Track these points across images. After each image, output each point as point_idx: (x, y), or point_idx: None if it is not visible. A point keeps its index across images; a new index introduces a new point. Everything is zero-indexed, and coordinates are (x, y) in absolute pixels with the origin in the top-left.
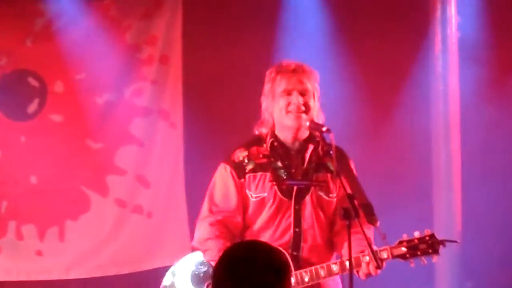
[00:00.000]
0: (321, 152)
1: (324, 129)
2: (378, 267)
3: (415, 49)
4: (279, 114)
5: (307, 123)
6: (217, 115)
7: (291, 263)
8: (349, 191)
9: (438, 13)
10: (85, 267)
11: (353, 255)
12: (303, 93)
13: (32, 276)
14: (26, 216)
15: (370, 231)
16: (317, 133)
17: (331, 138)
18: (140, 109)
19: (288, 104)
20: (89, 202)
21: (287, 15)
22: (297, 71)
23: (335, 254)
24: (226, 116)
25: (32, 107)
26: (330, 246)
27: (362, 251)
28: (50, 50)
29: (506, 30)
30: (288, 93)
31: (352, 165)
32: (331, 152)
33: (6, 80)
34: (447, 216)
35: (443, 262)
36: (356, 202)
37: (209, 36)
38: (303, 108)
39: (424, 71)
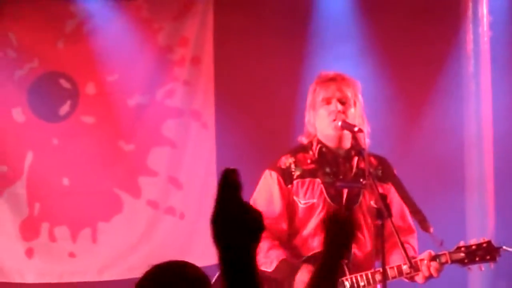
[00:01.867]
0: (363, 152)
1: (356, 129)
2: (413, 270)
3: (447, 48)
4: (321, 125)
5: (339, 123)
6: (249, 116)
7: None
8: (381, 191)
9: (470, 12)
10: (118, 269)
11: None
12: (342, 101)
13: (65, 278)
14: (59, 217)
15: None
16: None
17: (363, 138)
18: (172, 110)
19: (330, 113)
20: (122, 204)
21: (320, 18)
22: (336, 80)
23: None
24: (258, 117)
25: (64, 109)
26: (376, 252)
27: (414, 257)
28: (81, 52)
29: None
30: (328, 101)
31: (396, 173)
32: (362, 150)
33: (38, 82)
34: (480, 216)
35: None
36: (408, 209)
37: (241, 37)
38: (342, 116)
39: (456, 70)
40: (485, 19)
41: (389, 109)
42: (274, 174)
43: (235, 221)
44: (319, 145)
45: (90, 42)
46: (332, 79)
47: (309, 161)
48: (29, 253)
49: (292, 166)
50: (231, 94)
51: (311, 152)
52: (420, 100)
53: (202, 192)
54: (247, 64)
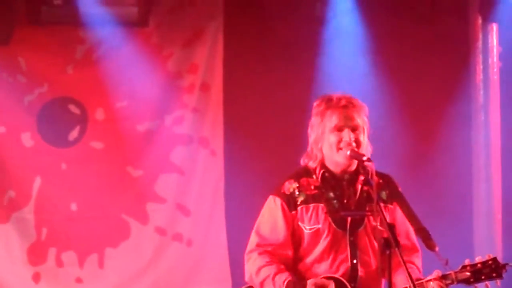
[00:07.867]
0: (371, 182)
1: (364, 158)
2: None
3: (456, 79)
4: (330, 150)
5: (348, 152)
6: (257, 143)
7: None
8: (388, 219)
9: (480, 43)
10: None
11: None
12: (354, 129)
13: None
14: (66, 243)
15: (419, 260)
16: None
17: (371, 167)
18: (180, 137)
19: (339, 140)
20: (129, 230)
21: (330, 44)
22: (348, 107)
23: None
24: (266, 144)
25: (73, 134)
26: (380, 272)
27: (418, 279)
28: (91, 78)
29: None
30: (339, 129)
31: (401, 190)
32: (370, 180)
33: (48, 108)
34: (488, 245)
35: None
36: (413, 228)
37: (250, 64)
38: (354, 144)
39: (465, 101)
40: (495, 50)
41: (398, 139)
42: (278, 200)
43: None
44: (322, 170)
45: (100, 68)
46: (345, 106)
47: (312, 186)
48: (36, 277)
49: (296, 191)
50: (240, 121)
51: (314, 177)
52: (429, 129)
53: (210, 219)
54: (256, 91)
